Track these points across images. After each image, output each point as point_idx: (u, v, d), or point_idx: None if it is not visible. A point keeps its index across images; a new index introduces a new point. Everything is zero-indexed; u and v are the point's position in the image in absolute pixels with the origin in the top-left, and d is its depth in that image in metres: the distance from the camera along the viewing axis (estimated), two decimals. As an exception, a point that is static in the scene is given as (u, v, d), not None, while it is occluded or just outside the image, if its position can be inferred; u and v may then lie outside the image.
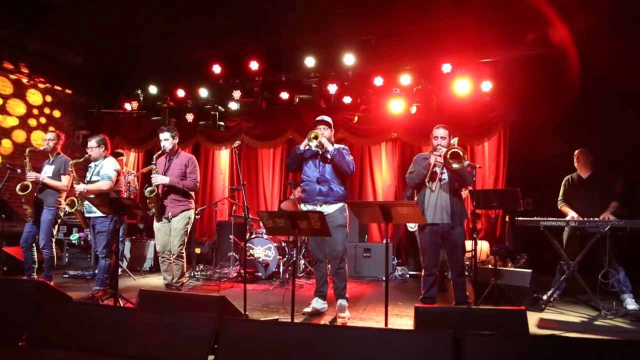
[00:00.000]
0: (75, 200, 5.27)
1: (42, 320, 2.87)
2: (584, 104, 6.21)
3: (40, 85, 8.48)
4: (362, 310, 4.89)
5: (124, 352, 2.62)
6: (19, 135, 8.10)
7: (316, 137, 4.46)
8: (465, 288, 4.54)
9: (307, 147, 4.57)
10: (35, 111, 8.41)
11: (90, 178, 5.28)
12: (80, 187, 5.17)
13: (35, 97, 8.41)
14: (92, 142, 5.31)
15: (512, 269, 5.72)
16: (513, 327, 2.65)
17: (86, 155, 5.34)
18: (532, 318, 4.41)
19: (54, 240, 5.49)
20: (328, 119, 4.75)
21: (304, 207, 4.71)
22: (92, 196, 5.01)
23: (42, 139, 7.10)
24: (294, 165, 4.81)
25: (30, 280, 4.87)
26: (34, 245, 5.52)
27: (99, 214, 4.93)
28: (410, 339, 2.42)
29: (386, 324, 3.47)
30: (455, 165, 4.22)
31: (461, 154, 4.21)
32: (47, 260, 5.44)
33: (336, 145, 4.71)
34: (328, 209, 4.52)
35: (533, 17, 6.13)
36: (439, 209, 4.44)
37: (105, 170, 5.24)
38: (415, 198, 5.08)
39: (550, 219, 4.92)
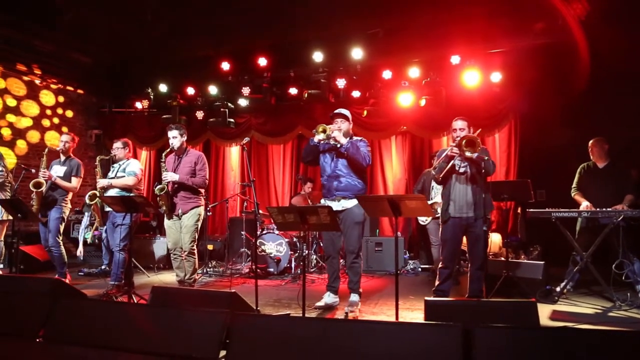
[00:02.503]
0: (97, 193, 5.42)
1: (57, 317, 2.93)
2: (595, 91, 6.13)
3: (53, 86, 8.59)
4: (373, 304, 4.90)
5: (138, 347, 2.67)
6: (33, 136, 8.22)
7: (324, 131, 4.41)
8: (482, 282, 4.46)
9: (321, 140, 4.52)
10: (49, 112, 8.53)
11: (116, 175, 5.46)
12: (104, 182, 5.34)
13: (48, 97, 8.53)
14: (118, 144, 5.59)
15: (524, 261, 5.68)
16: (523, 319, 2.64)
17: (111, 155, 5.59)
18: (545, 310, 4.39)
19: (60, 238, 5.60)
20: (345, 111, 4.69)
21: (323, 202, 4.70)
22: (110, 194, 5.15)
23: (57, 139, 7.25)
24: (308, 157, 4.79)
25: (45, 278, 4.93)
26: None
27: None
28: (420, 331, 2.42)
29: (397, 317, 3.48)
30: (468, 154, 4.18)
31: (475, 141, 4.17)
32: (57, 258, 5.56)
33: (355, 138, 4.67)
34: (347, 204, 4.50)
35: (541, 6, 6.05)
36: (462, 202, 4.37)
37: (132, 167, 5.47)
38: (432, 193, 5.05)
39: (562, 209, 4.87)
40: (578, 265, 4.95)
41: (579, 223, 5.17)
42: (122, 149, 5.56)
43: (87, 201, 5.58)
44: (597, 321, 4.12)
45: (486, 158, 4.32)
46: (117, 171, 5.48)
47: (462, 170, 4.41)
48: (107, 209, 5.35)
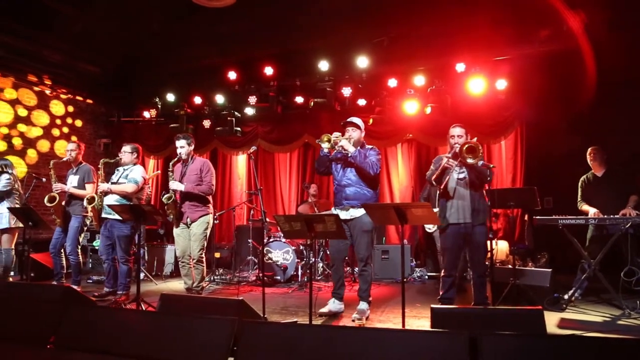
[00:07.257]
0: (96, 197, 5.41)
1: (68, 324, 2.96)
2: (601, 99, 6.10)
3: (63, 96, 8.71)
4: (380, 312, 4.90)
5: (146, 354, 2.70)
6: (44, 145, 8.33)
7: (328, 140, 4.45)
8: (485, 289, 4.47)
9: (330, 150, 4.56)
10: (58, 121, 8.65)
11: (117, 180, 5.41)
12: (104, 186, 5.31)
13: (58, 107, 8.65)
14: (127, 148, 5.52)
15: (531, 268, 5.65)
16: (530, 327, 2.64)
17: (117, 158, 5.53)
18: (553, 318, 4.37)
19: (79, 246, 5.66)
20: (357, 120, 4.70)
21: (334, 211, 4.71)
22: (114, 202, 5.15)
23: (64, 149, 7.34)
24: (321, 168, 4.81)
25: (56, 286, 5.01)
26: (62, 251, 5.71)
27: (117, 216, 5.01)
28: (427, 339, 2.43)
29: (403, 325, 3.48)
30: (470, 160, 4.19)
31: (477, 148, 4.18)
32: (74, 266, 5.64)
33: (367, 147, 4.70)
34: (356, 213, 4.50)
35: (546, 13, 6.06)
36: (461, 209, 4.37)
37: (134, 175, 5.39)
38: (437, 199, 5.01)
39: (569, 217, 4.85)
40: (586, 272, 4.92)
41: (589, 232, 5.15)
42: (129, 154, 5.48)
43: (85, 204, 5.51)
44: (606, 329, 4.09)
45: (492, 165, 4.35)
46: (120, 176, 5.42)
47: (461, 176, 4.42)
48: (104, 215, 5.31)
